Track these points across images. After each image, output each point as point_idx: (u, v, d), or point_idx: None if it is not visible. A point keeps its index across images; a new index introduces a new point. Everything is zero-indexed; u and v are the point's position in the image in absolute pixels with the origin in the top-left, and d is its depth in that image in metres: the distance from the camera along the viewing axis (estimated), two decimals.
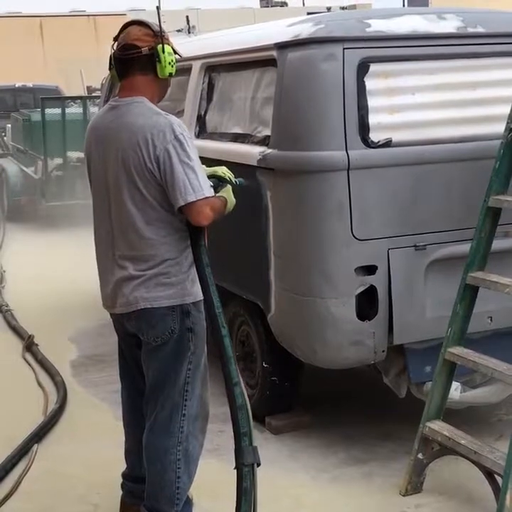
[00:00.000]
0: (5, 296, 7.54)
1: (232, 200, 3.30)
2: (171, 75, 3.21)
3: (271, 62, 4.22)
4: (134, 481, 3.55)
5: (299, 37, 4.02)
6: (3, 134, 13.81)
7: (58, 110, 10.91)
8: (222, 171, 3.38)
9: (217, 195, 3.22)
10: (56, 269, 8.30)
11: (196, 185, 3.02)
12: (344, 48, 3.86)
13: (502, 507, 3.34)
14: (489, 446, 3.59)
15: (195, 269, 3.16)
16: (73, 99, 12.23)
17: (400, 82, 3.99)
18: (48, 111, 10.99)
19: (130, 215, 3.13)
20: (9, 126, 13.16)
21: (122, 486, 3.64)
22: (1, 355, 6.02)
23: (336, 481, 4.04)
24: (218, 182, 3.33)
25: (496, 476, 3.48)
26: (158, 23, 3.21)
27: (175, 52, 3.27)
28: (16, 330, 6.47)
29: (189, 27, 12.43)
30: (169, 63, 3.17)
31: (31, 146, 11.51)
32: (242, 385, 3.07)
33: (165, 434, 3.25)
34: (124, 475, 3.64)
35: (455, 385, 4.04)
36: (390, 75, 3.97)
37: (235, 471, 3.06)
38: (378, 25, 3.97)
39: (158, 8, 3.29)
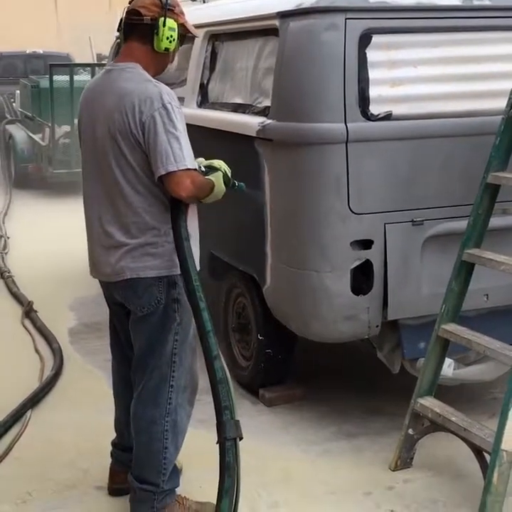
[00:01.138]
0: (7, 263, 7.56)
1: (220, 187, 3.19)
2: (167, 50, 3.15)
3: (273, 32, 4.16)
4: (122, 450, 3.56)
5: (301, 6, 3.95)
6: (12, 100, 13.75)
7: (67, 77, 10.84)
8: (219, 163, 3.30)
9: (205, 177, 3.15)
10: (60, 236, 8.28)
11: (179, 156, 2.96)
12: (346, 18, 3.79)
13: (489, 484, 3.33)
14: (479, 424, 3.58)
15: None
16: (82, 66, 12.15)
17: (403, 55, 3.92)
18: (57, 78, 10.90)
19: (116, 181, 3.09)
20: (18, 93, 13.10)
21: (111, 454, 3.66)
22: (1, 321, 6.03)
23: (326, 454, 4.04)
24: (210, 170, 3.23)
25: (484, 453, 3.48)
26: None
27: (187, 31, 3.24)
28: (16, 296, 6.48)
29: None
30: (167, 38, 3.11)
31: (39, 113, 11.45)
32: (222, 358, 3.03)
33: (152, 405, 3.24)
34: (114, 443, 3.65)
35: (448, 362, 4.03)
36: (393, 47, 3.91)
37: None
38: None
39: None
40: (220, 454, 2.97)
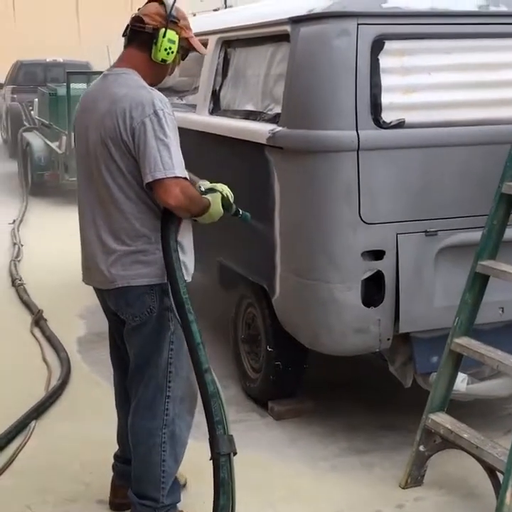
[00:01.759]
0: (20, 270, 7.52)
1: (217, 208, 3.11)
2: (164, 61, 3.08)
3: (285, 38, 4.08)
4: (124, 463, 3.47)
5: (312, 11, 3.88)
6: (31, 108, 13.78)
7: (84, 85, 10.82)
8: (221, 187, 3.23)
9: (202, 196, 3.09)
10: (74, 245, 8.15)
11: (167, 163, 2.89)
12: (358, 24, 3.71)
13: (502, 504, 3.21)
14: (492, 442, 3.46)
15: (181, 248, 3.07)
16: (99, 74, 12.11)
17: (416, 61, 3.83)
18: (74, 86, 10.90)
19: (107, 187, 3.03)
20: (36, 101, 13.12)
21: (113, 467, 3.58)
22: (10, 329, 5.98)
23: (335, 470, 3.94)
24: (210, 191, 3.16)
25: (497, 472, 3.36)
26: (177, 7, 3.11)
27: (191, 46, 3.18)
28: (27, 304, 6.44)
29: (225, 6, 12.29)
30: (165, 49, 3.05)
31: (56, 121, 11.44)
32: (213, 371, 2.96)
33: (149, 416, 3.16)
34: (116, 456, 3.57)
35: (462, 377, 3.92)
36: (406, 53, 3.82)
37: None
38: (396, 1, 3.80)
39: None
40: (214, 471, 2.88)
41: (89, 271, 3.22)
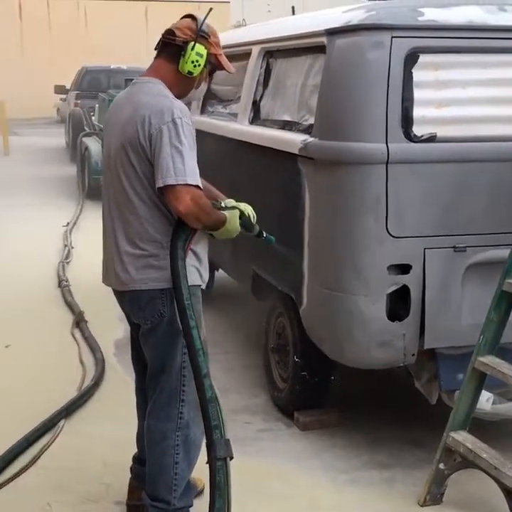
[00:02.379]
0: (68, 272, 7.66)
1: (234, 225, 3.17)
2: (190, 73, 3.15)
3: (322, 49, 4.09)
4: (141, 464, 3.52)
5: (349, 23, 3.88)
6: (92, 113, 14.03)
7: None
8: (245, 206, 3.30)
9: (220, 211, 3.15)
10: None
11: (180, 170, 2.95)
12: (392, 37, 3.70)
13: None
14: (511, 463, 3.40)
15: (187, 253, 3.11)
16: None
17: (451, 75, 3.80)
18: None
19: (124, 190, 3.12)
20: (97, 107, 13.36)
21: (131, 468, 3.63)
22: (52, 329, 6.10)
23: (355, 483, 3.91)
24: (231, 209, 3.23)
25: None
26: (209, 24, 3.20)
27: (220, 64, 3.25)
28: (70, 305, 6.56)
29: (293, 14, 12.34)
30: (192, 62, 3.13)
31: None
32: (211, 377, 3.00)
33: (163, 419, 3.21)
34: (134, 458, 3.63)
35: (487, 396, 3.86)
36: (441, 67, 3.79)
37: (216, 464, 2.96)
38: (432, 15, 3.79)
39: (211, 9, 3.25)
40: (210, 474, 2.92)
41: (107, 272, 3.31)
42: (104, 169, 3.30)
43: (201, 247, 3.22)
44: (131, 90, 3.22)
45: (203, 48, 3.15)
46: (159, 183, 2.98)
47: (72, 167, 14.49)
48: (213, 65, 3.26)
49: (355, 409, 4.63)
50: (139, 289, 3.15)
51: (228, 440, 2.95)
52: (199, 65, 3.15)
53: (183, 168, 2.95)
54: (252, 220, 3.32)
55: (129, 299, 3.21)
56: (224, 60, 3.29)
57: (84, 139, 12.69)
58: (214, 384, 3.00)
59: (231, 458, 2.95)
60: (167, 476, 3.22)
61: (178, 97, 3.18)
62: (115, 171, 3.15)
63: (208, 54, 3.18)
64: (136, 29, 28.34)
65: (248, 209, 3.32)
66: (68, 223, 9.90)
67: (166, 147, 2.97)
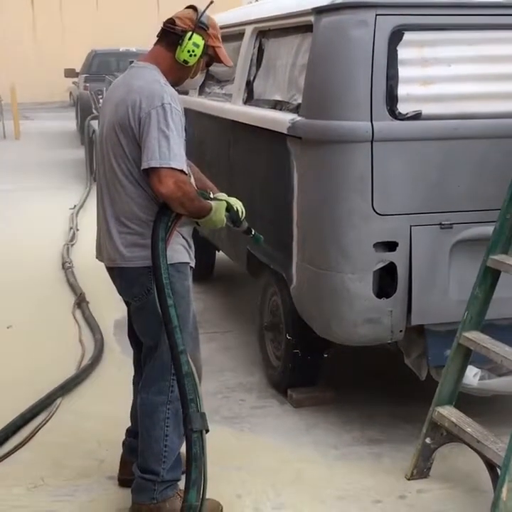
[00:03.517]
0: (72, 254, 7.74)
1: (219, 216, 3.25)
2: (185, 62, 3.22)
3: (310, 28, 4.11)
4: (134, 436, 3.60)
5: (334, 2, 3.89)
6: (100, 96, 14.04)
7: None
8: (235, 201, 3.39)
9: (206, 200, 3.24)
10: None
11: (164, 154, 3.02)
12: (377, 15, 3.71)
13: (498, 500, 3.20)
14: (494, 437, 3.44)
15: (174, 233, 3.19)
16: None
17: (436, 53, 3.81)
18: None
19: (113, 170, 3.20)
20: (105, 89, 13.36)
21: (123, 442, 3.71)
22: (54, 309, 6.19)
23: (344, 458, 3.97)
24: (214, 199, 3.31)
25: (497, 468, 3.34)
26: (210, 17, 3.28)
27: (217, 56, 3.32)
28: (72, 286, 6.64)
29: None
30: (188, 51, 3.20)
31: None
32: (187, 354, 3.09)
33: (155, 392, 3.29)
34: (127, 431, 3.71)
35: (474, 371, 3.90)
36: (426, 45, 3.80)
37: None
38: None
39: (212, 1, 3.32)
40: (186, 446, 2.99)
41: (99, 249, 3.41)
42: (97, 148, 3.37)
43: (186, 231, 3.30)
44: (127, 74, 3.31)
45: (200, 38, 3.22)
46: (144, 165, 3.06)
47: (82, 150, 14.55)
48: (211, 56, 3.33)
49: (350, 386, 4.68)
50: (127, 267, 3.24)
51: (204, 413, 3.04)
52: (195, 55, 3.22)
53: (168, 152, 3.03)
54: (240, 215, 3.40)
55: (118, 276, 3.31)
56: (222, 52, 3.35)
57: (91, 122, 12.73)
58: (190, 359, 3.08)
59: (207, 431, 3.03)
60: (157, 448, 3.30)
61: (174, 84, 3.27)
62: (106, 150, 3.23)
63: (206, 45, 3.26)
64: (148, 11, 28.28)
65: (237, 204, 3.40)
66: (75, 206, 9.97)
67: (153, 131, 3.04)
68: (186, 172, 3.11)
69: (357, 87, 3.71)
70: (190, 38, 3.19)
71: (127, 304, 3.51)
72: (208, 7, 3.27)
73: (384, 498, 3.60)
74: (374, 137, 3.69)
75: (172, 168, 3.03)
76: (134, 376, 3.68)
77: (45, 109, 26.14)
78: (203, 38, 3.23)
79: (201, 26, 3.23)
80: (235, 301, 6.37)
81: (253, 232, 3.54)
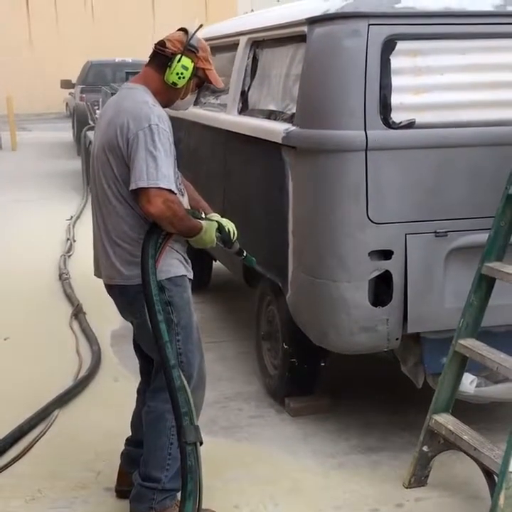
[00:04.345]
0: (69, 265, 7.75)
1: (209, 236, 3.29)
2: (174, 84, 3.26)
3: (304, 38, 4.12)
4: (135, 446, 3.61)
5: (327, 12, 3.91)
6: (96, 107, 14.07)
7: None
8: (227, 222, 3.43)
9: (196, 219, 3.27)
10: None
11: (152, 174, 3.06)
12: (369, 24, 3.72)
13: (495, 507, 3.21)
14: (490, 444, 3.44)
15: (165, 249, 3.22)
16: None
17: (429, 61, 3.82)
18: None
19: (104, 190, 3.24)
20: (101, 100, 13.40)
21: (122, 453, 3.71)
22: (51, 321, 6.18)
23: (342, 467, 3.97)
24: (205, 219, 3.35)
25: (494, 475, 3.35)
26: (201, 40, 3.33)
27: (207, 78, 3.35)
28: (69, 297, 6.63)
29: None
30: (177, 74, 3.24)
31: None
32: (179, 368, 3.12)
33: (162, 400, 3.28)
34: (127, 440, 3.72)
35: (470, 379, 3.90)
36: (419, 54, 3.81)
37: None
38: (409, 1, 3.80)
39: (201, 25, 3.35)
40: (181, 458, 3.01)
41: (98, 265, 3.44)
42: (90, 168, 3.39)
43: (179, 247, 3.32)
44: (119, 95, 3.35)
45: (189, 61, 3.25)
46: (132, 186, 3.10)
47: (79, 161, 14.56)
48: (201, 78, 3.36)
49: (347, 395, 4.69)
50: (127, 285, 3.26)
51: (198, 426, 3.06)
52: (183, 77, 3.26)
53: (156, 172, 3.06)
54: (232, 236, 3.43)
55: (119, 294, 3.34)
56: (212, 75, 3.38)
57: (87, 133, 12.73)
58: (182, 374, 3.11)
59: (201, 443, 3.04)
60: (161, 455, 3.32)
61: (164, 105, 3.31)
62: (97, 171, 3.28)
63: (195, 68, 3.29)
64: (144, 22, 28.36)
65: (230, 225, 3.44)
66: (72, 217, 9.98)
67: (141, 151, 3.08)
68: (175, 192, 3.14)
69: (350, 96, 3.73)
70: (179, 61, 3.24)
71: (130, 322, 3.53)
72: (197, 30, 3.31)
73: (382, 506, 3.61)
74: (368, 146, 3.71)
75: (160, 188, 3.06)
76: (139, 384, 3.71)
77: (41, 120, 26.15)
78: (193, 61, 3.27)
79: (191, 49, 3.27)
80: (232, 310, 6.37)
81: (245, 254, 3.59)
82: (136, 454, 3.54)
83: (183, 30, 3.34)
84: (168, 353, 3.07)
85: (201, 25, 3.35)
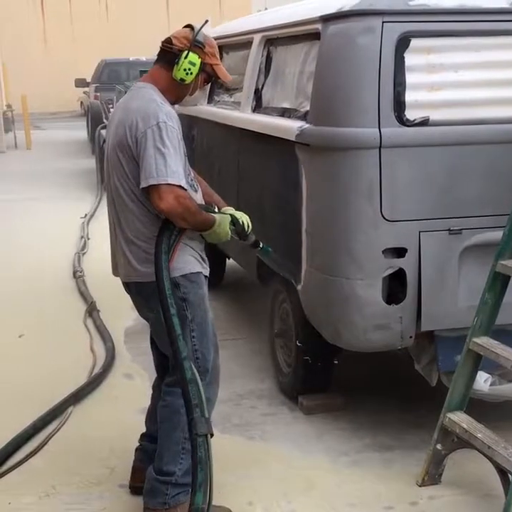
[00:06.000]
0: (83, 263, 7.77)
1: (224, 229, 3.31)
2: (182, 80, 3.28)
3: (317, 36, 4.12)
4: (149, 441, 3.64)
5: (341, 10, 3.90)
6: (110, 105, 14.10)
7: None
8: (241, 215, 3.45)
9: (210, 213, 3.29)
10: None
11: (161, 171, 3.08)
12: (383, 22, 3.71)
13: (509, 506, 3.21)
14: (505, 442, 3.43)
15: (179, 245, 3.25)
16: None
17: (443, 59, 3.81)
18: None
19: (117, 189, 3.29)
20: (114, 99, 13.42)
21: (137, 449, 3.74)
22: (65, 318, 6.21)
23: (355, 465, 3.97)
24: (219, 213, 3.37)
25: (508, 473, 3.34)
26: (207, 36, 3.35)
27: (215, 73, 3.38)
28: (83, 295, 6.66)
29: None
30: (185, 70, 3.26)
31: None
32: (190, 360, 3.13)
33: (176, 395, 3.29)
34: (142, 435, 3.75)
35: (485, 377, 3.89)
36: (433, 51, 3.80)
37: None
38: None
39: (206, 21, 3.39)
40: (191, 450, 3.01)
41: (114, 264, 3.48)
42: (105, 167, 3.42)
43: (196, 245, 3.35)
44: (128, 94, 3.38)
45: (196, 57, 3.27)
46: (143, 184, 3.13)
47: (93, 160, 14.61)
48: (209, 74, 3.38)
49: (361, 392, 4.68)
50: (144, 281, 3.29)
51: (208, 418, 3.05)
52: (191, 73, 3.28)
53: (165, 169, 3.09)
54: (246, 228, 3.45)
55: (136, 291, 3.38)
56: (220, 69, 3.41)
57: (102, 132, 12.76)
58: (193, 366, 3.11)
59: (211, 435, 3.04)
60: (175, 449, 3.34)
61: (173, 102, 3.35)
62: (110, 170, 3.31)
63: (203, 63, 3.31)
64: (158, 21, 28.40)
65: (244, 218, 3.46)
66: (86, 215, 10.02)
67: (149, 149, 3.11)
68: (185, 187, 3.15)
69: (364, 93, 3.72)
70: (186, 57, 3.26)
71: (147, 319, 3.56)
72: (203, 26, 3.33)
73: (395, 504, 3.60)
74: (382, 144, 3.70)
75: (170, 184, 3.09)
76: (155, 379, 3.74)
77: (56, 118, 26.28)
78: (200, 56, 3.29)
79: (197, 45, 3.29)
80: (245, 308, 6.38)
81: (261, 245, 3.59)
82: (151, 449, 3.56)
83: (189, 26, 3.36)
84: (180, 345, 3.08)
85: (207, 21, 3.37)
